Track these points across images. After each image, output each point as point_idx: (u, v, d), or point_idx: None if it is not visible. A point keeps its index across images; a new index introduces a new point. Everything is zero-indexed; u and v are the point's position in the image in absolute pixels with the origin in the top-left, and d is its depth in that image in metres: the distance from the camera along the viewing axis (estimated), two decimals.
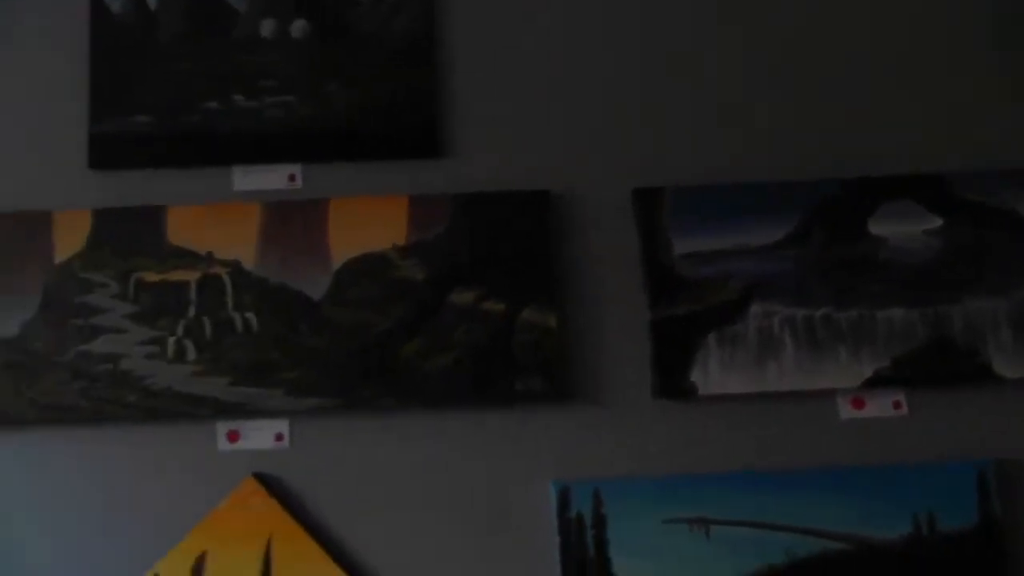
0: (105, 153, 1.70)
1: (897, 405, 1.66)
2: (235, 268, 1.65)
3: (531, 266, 1.66)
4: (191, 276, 1.64)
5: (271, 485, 1.59)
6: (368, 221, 1.67)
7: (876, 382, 1.65)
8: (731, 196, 1.71)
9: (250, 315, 1.63)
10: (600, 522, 1.58)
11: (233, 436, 1.61)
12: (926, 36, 1.83)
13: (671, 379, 1.63)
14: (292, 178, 1.72)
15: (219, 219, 1.67)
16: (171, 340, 1.62)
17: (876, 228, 1.71)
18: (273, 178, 1.72)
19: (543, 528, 1.59)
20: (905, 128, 1.78)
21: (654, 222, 1.69)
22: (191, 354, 1.61)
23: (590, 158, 1.75)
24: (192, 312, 1.63)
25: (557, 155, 1.75)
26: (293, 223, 1.67)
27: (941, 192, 1.72)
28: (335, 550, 1.57)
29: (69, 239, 1.65)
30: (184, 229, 1.66)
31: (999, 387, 1.66)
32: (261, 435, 1.62)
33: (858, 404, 1.66)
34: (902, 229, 1.71)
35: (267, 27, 1.76)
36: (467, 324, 1.64)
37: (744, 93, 1.79)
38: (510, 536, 1.60)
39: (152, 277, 1.64)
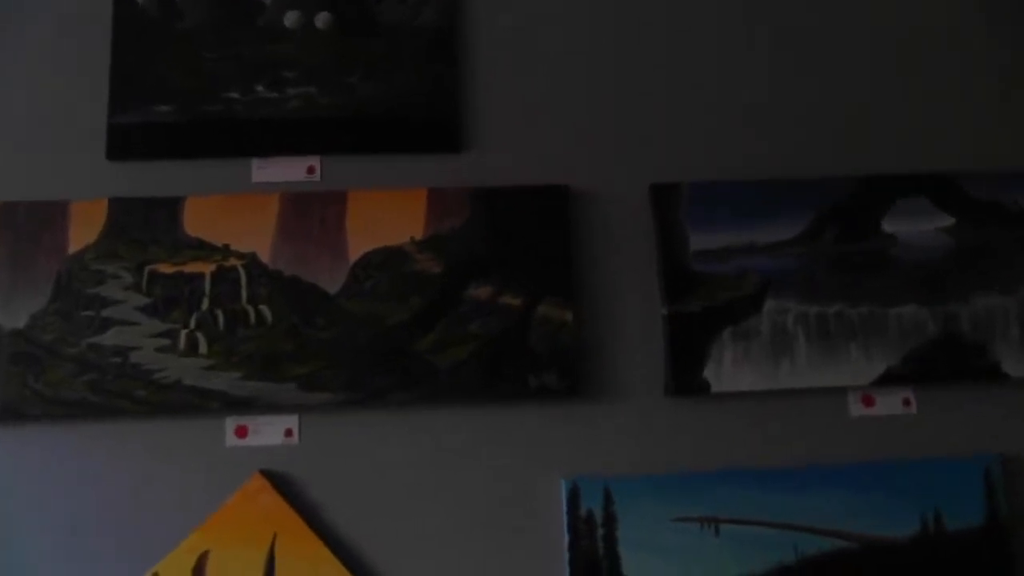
0: (124, 143, 1.66)
1: (907, 402, 1.65)
2: (251, 260, 1.60)
3: (549, 261, 1.63)
4: (206, 268, 1.59)
5: (279, 482, 1.54)
6: (386, 214, 1.63)
7: (886, 379, 1.63)
8: (747, 193, 1.68)
9: (264, 307, 1.58)
10: (610, 520, 1.56)
11: (241, 431, 1.57)
12: (938, 41, 1.82)
13: (684, 376, 1.61)
14: (311, 170, 1.68)
15: (236, 210, 1.62)
16: (183, 333, 1.57)
17: (888, 226, 1.68)
18: (292, 170, 1.68)
19: (553, 525, 1.56)
20: (916, 128, 1.77)
21: (671, 217, 1.66)
22: (203, 347, 1.56)
23: (609, 154, 1.73)
24: (206, 305, 1.58)
25: (576, 151, 1.72)
26: (311, 215, 1.62)
27: (952, 192, 1.70)
28: (341, 550, 1.53)
29: (84, 229, 1.60)
30: (200, 220, 1.61)
31: (1007, 385, 1.66)
32: (271, 430, 1.57)
33: (868, 402, 1.65)
34: (914, 227, 1.69)
35: (291, 18, 1.71)
36: (483, 318, 1.60)
37: (760, 93, 1.77)
38: (519, 533, 1.57)
39: (166, 268, 1.59)
